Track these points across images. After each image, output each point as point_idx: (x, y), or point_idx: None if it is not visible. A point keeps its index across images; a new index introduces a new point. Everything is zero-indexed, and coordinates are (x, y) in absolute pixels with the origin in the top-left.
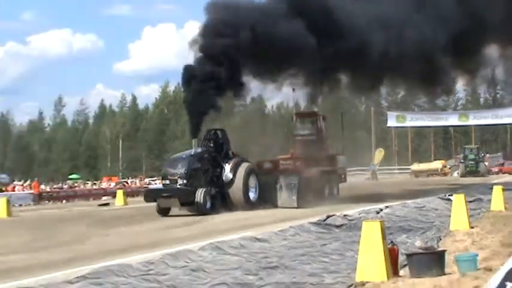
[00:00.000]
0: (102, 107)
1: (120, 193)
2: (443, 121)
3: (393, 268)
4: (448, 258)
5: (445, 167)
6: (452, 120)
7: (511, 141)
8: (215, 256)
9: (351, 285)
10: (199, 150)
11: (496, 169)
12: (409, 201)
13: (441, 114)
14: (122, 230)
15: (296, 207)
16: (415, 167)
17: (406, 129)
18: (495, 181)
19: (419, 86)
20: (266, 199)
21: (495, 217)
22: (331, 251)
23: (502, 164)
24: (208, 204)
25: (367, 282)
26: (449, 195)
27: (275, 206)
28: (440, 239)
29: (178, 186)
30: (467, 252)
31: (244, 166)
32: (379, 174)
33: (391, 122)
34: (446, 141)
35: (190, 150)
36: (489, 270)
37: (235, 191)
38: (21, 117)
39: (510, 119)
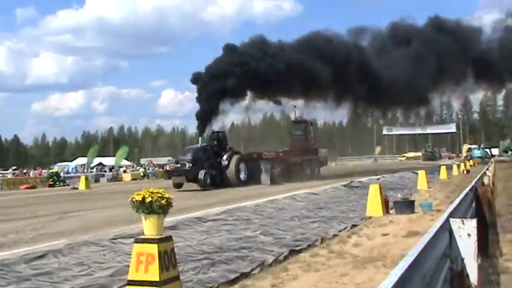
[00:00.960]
0: None
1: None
2: (412, 131)
3: (386, 209)
4: (416, 204)
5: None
6: (417, 130)
7: (451, 142)
8: (291, 202)
9: (363, 218)
10: (203, 144)
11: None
12: (395, 174)
13: (412, 127)
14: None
15: (269, 185)
16: (409, 154)
17: (393, 136)
18: (442, 163)
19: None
20: (253, 179)
21: (442, 183)
22: (352, 200)
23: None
24: (208, 181)
25: (372, 216)
26: (416, 171)
27: (259, 184)
28: (411, 194)
29: (186, 168)
30: (426, 200)
31: (236, 156)
32: (378, 159)
33: (385, 132)
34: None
35: (197, 144)
36: (439, 211)
37: (230, 173)
38: None
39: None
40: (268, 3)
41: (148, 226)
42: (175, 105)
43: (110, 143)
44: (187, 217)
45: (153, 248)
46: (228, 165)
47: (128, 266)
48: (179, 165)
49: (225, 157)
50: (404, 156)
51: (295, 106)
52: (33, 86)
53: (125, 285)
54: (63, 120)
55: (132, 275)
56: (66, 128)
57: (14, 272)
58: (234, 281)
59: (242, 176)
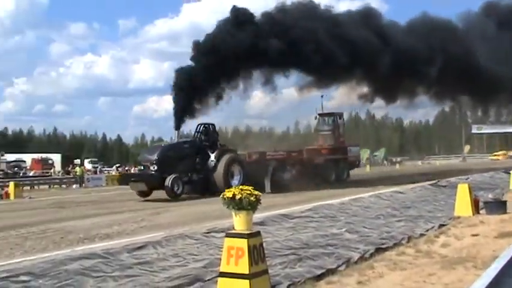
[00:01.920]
0: None
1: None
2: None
3: (476, 209)
4: (509, 204)
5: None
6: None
7: None
8: (376, 200)
9: (451, 218)
10: (180, 140)
11: None
12: (485, 174)
13: (503, 125)
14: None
15: (269, 192)
16: (501, 153)
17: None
18: None
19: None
20: (257, 185)
21: None
22: (440, 199)
23: None
24: (178, 189)
25: (461, 216)
26: (508, 171)
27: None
28: (503, 194)
29: (150, 172)
30: None
31: (227, 156)
32: (467, 159)
33: (474, 131)
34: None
35: (171, 141)
36: None
37: (218, 177)
38: None
39: None
40: None
41: (238, 221)
42: (263, 105)
43: None
44: (275, 214)
45: (243, 243)
46: (215, 167)
47: (219, 258)
48: (142, 167)
49: (212, 156)
50: (496, 155)
51: (322, 96)
52: (134, 90)
53: (217, 276)
54: (160, 121)
55: (223, 267)
56: (163, 128)
57: (118, 260)
58: (320, 277)
59: (235, 181)
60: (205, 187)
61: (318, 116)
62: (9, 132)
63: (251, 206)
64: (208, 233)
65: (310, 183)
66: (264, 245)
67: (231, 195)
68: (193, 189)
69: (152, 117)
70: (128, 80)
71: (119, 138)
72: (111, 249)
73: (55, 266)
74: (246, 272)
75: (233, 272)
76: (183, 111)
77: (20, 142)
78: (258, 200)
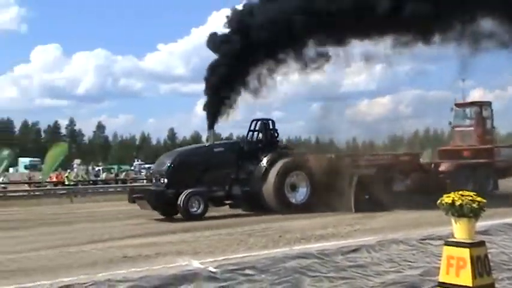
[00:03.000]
0: None
1: None
2: None
3: None
4: None
5: None
6: None
7: None
8: None
9: None
10: (213, 143)
11: None
12: None
13: None
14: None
15: (353, 212)
16: None
17: None
18: None
19: None
20: (332, 201)
21: None
22: None
23: None
24: (197, 209)
25: None
26: None
27: (338, 211)
28: None
29: (156, 187)
30: None
31: (283, 160)
32: None
33: None
34: None
35: (203, 144)
36: None
37: (267, 190)
38: None
39: None
40: None
41: (458, 229)
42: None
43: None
44: (500, 223)
45: (465, 252)
46: (264, 176)
47: (437, 267)
48: (154, 180)
49: (264, 161)
50: None
51: (463, 80)
52: (346, 94)
53: (436, 286)
54: (372, 124)
55: (442, 277)
56: (375, 131)
57: (333, 261)
58: None
59: (299, 195)
60: (255, 203)
61: (454, 107)
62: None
63: (473, 213)
64: (424, 239)
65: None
66: (489, 256)
67: (450, 201)
68: (235, 206)
69: (364, 120)
70: (339, 84)
71: (331, 142)
72: (326, 250)
73: (275, 263)
74: (469, 284)
75: (454, 283)
76: (218, 102)
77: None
78: (481, 208)
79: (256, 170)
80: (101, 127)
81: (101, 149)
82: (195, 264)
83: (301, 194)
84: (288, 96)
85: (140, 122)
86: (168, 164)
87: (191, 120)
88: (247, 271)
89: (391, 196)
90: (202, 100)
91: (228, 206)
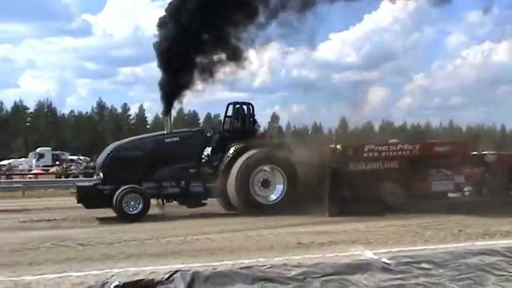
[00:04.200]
0: None
1: None
2: None
3: None
4: None
5: None
6: None
7: None
8: None
9: None
10: (173, 131)
11: None
12: None
13: None
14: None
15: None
16: None
17: None
18: None
19: None
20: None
21: None
22: None
23: None
24: (135, 209)
25: None
26: None
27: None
28: None
29: (93, 182)
30: None
31: (250, 153)
32: None
33: None
34: None
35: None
36: None
37: (230, 188)
38: None
39: None
40: None
41: None
42: None
43: None
44: None
45: None
46: (227, 170)
47: None
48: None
49: (230, 151)
50: None
51: None
52: None
53: None
54: None
55: None
56: None
57: None
58: None
59: (267, 194)
60: (225, 201)
61: None
62: (408, 126)
63: None
64: None
65: None
66: None
67: None
68: (193, 205)
69: None
70: None
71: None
72: None
73: (455, 258)
74: None
75: None
76: (174, 84)
77: (417, 135)
78: None
79: (221, 163)
80: (275, 118)
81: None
82: (369, 254)
83: (277, 192)
84: (468, 82)
85: (312, 111)
86: (104, 157)
87: (363, 108)
88: (424, 265)
89: (426, 196)
90: (374, 88)
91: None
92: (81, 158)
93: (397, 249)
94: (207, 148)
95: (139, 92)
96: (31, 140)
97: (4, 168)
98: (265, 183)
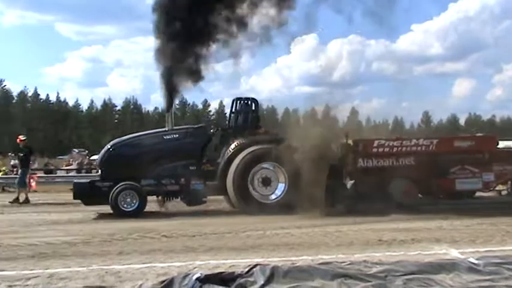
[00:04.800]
0: None
1: None
2: None
3: None
4: None
5: None
6: None
7: None
8: None
9: None
10: (175, 128)
11: None
12: None
13: None
14: None
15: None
16: None
17: None
18: None
19: None
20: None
21: None
22: None
23: None
24: (131, 206)
25: None
26: None
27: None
28: None
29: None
30: None
31: (250, 149)
32: None
33: None
34: None
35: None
36: None
37: (229, 185)
38: None
39: None
40: None
41: None
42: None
43: None
44: None
45: None
46: (227, 167)
47: None
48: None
49: (230, 148)
50: None
51: None
52: None
53: None
54: None
55: None
56: None
57: None
58: None
59: (266, 192)
60: (229, 200)
61: None
62: (497, 119)
63: None
64: None
65: None
66: None
67: None
68: (192, 203)
69: None
70: None
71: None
72: None
73: None
74: None
75: None
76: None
77: (507, 129)
78: None
79: (221, 161)
80: (354, 112)
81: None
82: (454, 253)
83: (278, 190)
84: None
85: (393, 105)
86: (103, 153)
87: (448, 102)
88: None
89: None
90: (460, 80)
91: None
92: None
93: (485, 249)
94: (209, 145)
95: (219, 88)
96: (118, 136)
97: (95, 163)
98: (266, 181)
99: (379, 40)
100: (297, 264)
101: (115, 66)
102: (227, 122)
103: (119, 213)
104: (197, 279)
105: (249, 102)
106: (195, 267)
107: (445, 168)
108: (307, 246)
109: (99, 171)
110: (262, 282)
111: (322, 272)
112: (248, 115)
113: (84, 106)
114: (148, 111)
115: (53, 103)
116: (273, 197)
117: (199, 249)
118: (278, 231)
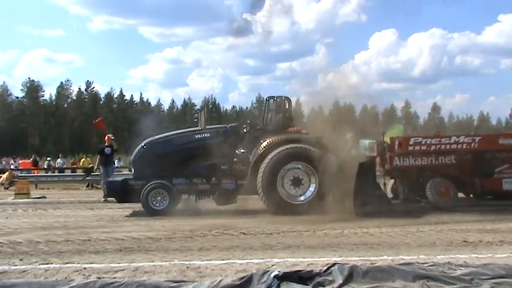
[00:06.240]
0: None
1: None
2: None
3: None
4: None
5: None
6: None
7: None
8: None
9: None
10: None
11: None
12: None
13: None
14: None
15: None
16: None
17: None
18: None
19: None
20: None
21: None
22: None
23: None
24: (161, 204)
25: None
26: None
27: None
28: None
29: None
30: None
31: (281, 148)
32: None
33: None
34: None
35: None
36: None
37: (258, 184)
38: None
39: None
40: None
41: None
42: None
43: None
44: None
45: None
46: (256, 166)
47: None
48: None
49: (263, 145)
50: None
51: None
52: None
53: None
54: None
55: None
56: None
57: None
58: None
59: (297, 192)
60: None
61: None
62: None
63: None
64: None
65: None
66: None
67: None
68: (222, 202)
69: None
70: None
71: None
72: None
73: None
74: None
75: None
76: None
77: None
78: None
79: (252, 159)
80: (436, 108)
81: (435, 128)
82: None
83: (308, 192)
84: None
85: (478, 100)
86: (136, 152)
87: None
88: None
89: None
90: None
91: None
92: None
93: None
94: (241, 144)
95: (296, 85)
96: None
97: None
98: (296, 182)
99: (462, 32)
100: (377, 264)
101: (194, 66)
102: (263, 121)
103: (149, 211)
104: (275, 276)
105: (283, 100)
106: (273, 265)
107: (490, 167)
108: (387, 246)
109: (132, 169)
110: (340, 281)
111: (403, 273)
112: (281, 113)
113: (166, 106)
114: (226, 109)
115: (136, 103)
116: (302, 198)
117: (277, 247)
118: (356, 230)
